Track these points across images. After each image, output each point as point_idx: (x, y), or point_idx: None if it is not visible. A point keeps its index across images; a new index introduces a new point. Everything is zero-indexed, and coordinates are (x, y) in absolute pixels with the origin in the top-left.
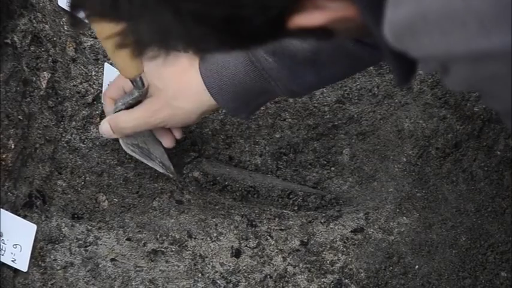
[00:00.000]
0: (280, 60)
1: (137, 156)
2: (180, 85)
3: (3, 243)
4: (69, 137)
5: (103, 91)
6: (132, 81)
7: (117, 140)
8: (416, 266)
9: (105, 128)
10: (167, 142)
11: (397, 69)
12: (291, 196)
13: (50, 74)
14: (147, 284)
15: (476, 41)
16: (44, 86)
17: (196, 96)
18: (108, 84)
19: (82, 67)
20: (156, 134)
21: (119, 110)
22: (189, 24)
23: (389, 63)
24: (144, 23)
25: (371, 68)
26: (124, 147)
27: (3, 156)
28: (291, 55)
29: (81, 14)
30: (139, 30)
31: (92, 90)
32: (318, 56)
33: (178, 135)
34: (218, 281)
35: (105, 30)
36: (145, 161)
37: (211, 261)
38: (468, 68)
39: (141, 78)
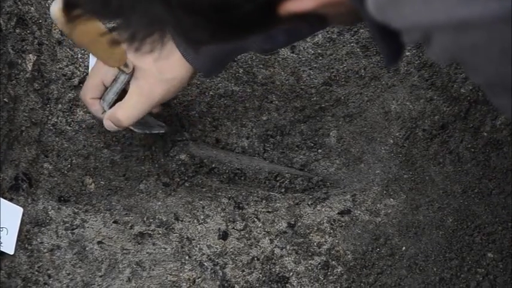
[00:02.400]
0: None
1: (140, 131)
2: (161, 58)
3: None
4: (55, 120)
5: (82, 91)
6: (119, 68)
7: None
8: (403, 248)
9: (108, 125)
10: (156, 109)
11: (385, 50)
12: (278, 178)
13: (35, 57)
14: (134, 266)
15: (456, 10)
16: (30, 69)
17: (179, 64)
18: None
19: (68, 50)
20: None
21: (113, 102)
22: (179, 14)
23: (377, 43)
24: (136, 17)
25: (358, 50)
26: (134, 129)
27: None
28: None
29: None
30: (132, 25)
31: (78, 73)
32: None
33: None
34: (205, 263)
35: (85, 30)
36: (146, 131)
37: (199, 244)
38: (449, 37)
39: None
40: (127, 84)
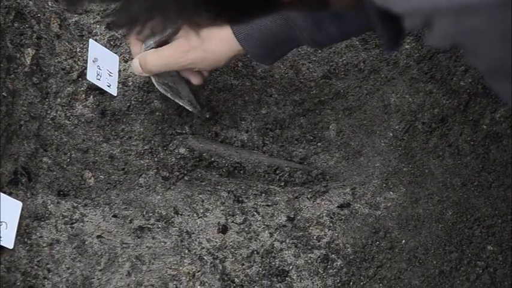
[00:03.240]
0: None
1: (168, 95)
2: (212, 29)
3: None
4: (54, 114)
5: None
6: None
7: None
8: (403, 241)
9: (135, 65)
10: (196, 80)
11: (385, 34)
12: (277, 172)
13: (34, 51)
14: (134, 260)
15: None
16: (29, 63)
17: (225, 41)
18: (94, 61)
19: (67, 43)
20: (184, 73)
21: (150, 48)
22: None
23: (377, 27)
24: (137, 0)
25: (357, 43)
26: (157, 86)
27: None
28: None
29: None
30: (133, 7)
31: (77, 67)
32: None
33: (206, 73)
34: (205, 257)
35: None
36: (175, 100)
37: (198, 238)
38: (450, 21)
39: None
40: (169, 38)
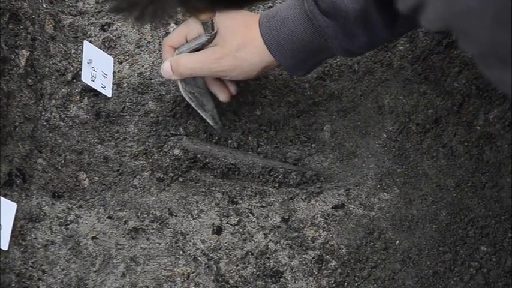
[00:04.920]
0: (335, 19)
1: (193, 105)
2: (245, 38)
3: None
4: (49, 116)
5: (166, 37)
6: (203, 24)
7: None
8: (397, 242)
9: (166, 67)
10: (223, 96)
11: (379, 20)
12: (271, 173)
13: (28, 52)
14: (128, 261)
15: None
16: (23, 64)
17: (258, 51)
18: (88, 63)
19: (61, 45)
20: (212, 88)
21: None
22: None
23: (372, 13)
24: None
25: None
26: (183, 93)
27: None
28: (343, 15)
29: None
30: None
31: (72, 68)
32: (368, 16)
33: (233, 90)
34: (199, 258)
35: None
36: (199, 111)
37: (193, 239)
38: (443, 2)
39: (212, 22)
40: (203, 46)
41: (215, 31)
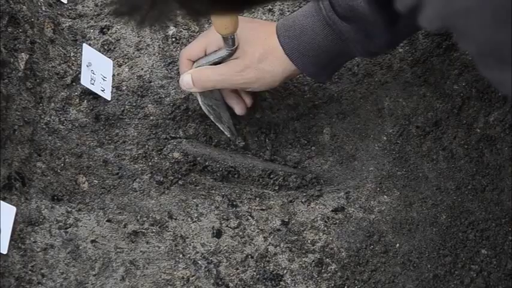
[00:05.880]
0: (354, 22)
1: (211, 117)
2: (265, 49)
3: None
4: (48, 119)
5: (183, 50)
6: (224, 39)
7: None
8: (397, 245)
9: (186, 79)
10: (239, 109)
11: (379, 20)
12: (271, 176)
13: (28, 55)
14: (128, 265)
15: None
16: (22, 67)
17: (279, 61)
18: (87, 66)
19: (60, 48)
20: (228, 100)
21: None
22: None
23: (373, 12)
24: None
25: None
26: (202, 105)
27: None
28: (362, 17)
29: None
30: None
31: (71, 72)
32: (387, 17)
33: (249, 102)
34: (199, 262)
35: None
36: (216, 123)
37: (192, 242)
38: (442, 1)
39: (233, 36)
40: (223, 60)
41: (236, 45)
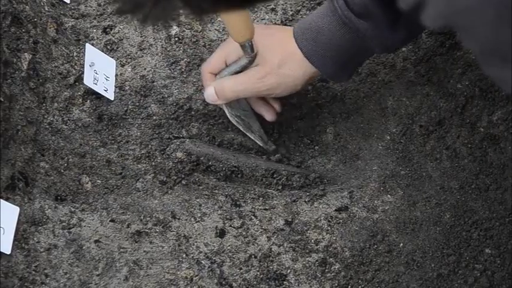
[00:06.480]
0: (371, 20)
1: (240, 128)
2: (284, 54)
3: None
4: (51, 119)
5: (204, 64)
6: (243, 47)
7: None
8: (401, 244)
9: (210, 92)
10: (269, 115)
11: (380, 18)
12: (274, 175)
13: (31, 55)
14: (131, 265)
15: None
16: (25, 67)
17: (299, 65)
18: (90, 66)
19: (63, 48)
20: (257, 108)
21: None
22: None
23: (375, 10)
24: None
25: None
26: (229, 117)
27: None
28: (377, 15)
29: None
30: None
31: (74, 71)
32: (400, 15)
33: (278, 107)
34: (203, 261)
35: None
36: (247, 133)
37: (196, 242)
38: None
39: (251, 43)
40: (243, 69)
41: (255, 52)
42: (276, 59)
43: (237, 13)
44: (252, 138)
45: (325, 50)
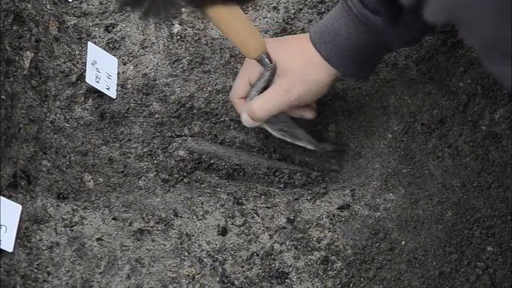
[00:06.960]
0: (386, 15)
1: (287, 139)
2: (305, 61)
3: None
4: (54, 117)
5: (231, 93)
6: (260, 61)
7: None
8: (403, 242)
9: (245, 118)
10: (309, 114)
11: (384, 14)
12: (277, 174)
13: (33, 54)
14: (134, 263)
15: None
16: (27, 66)
17: (321, 68)
18: (92, 64)
19: (65, 46)
20: (294, 115)
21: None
22: None
23: (377, 6)
24: None
25: None
26: (272, 133)
27: None
28: (392, 10)
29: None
30: None
31: (76, 70)
32: (392, 12)
33: (314, 105)
34: (205, 260)
35: (224, 16)
36: (295, 142)
37: (198, 240)
38: None
39: (267, 55)
40: (268, 83)
41: (274, 62)
42: (298, 67)
43: (245, 29)
44: (302, 145)
45: (343, 50)
